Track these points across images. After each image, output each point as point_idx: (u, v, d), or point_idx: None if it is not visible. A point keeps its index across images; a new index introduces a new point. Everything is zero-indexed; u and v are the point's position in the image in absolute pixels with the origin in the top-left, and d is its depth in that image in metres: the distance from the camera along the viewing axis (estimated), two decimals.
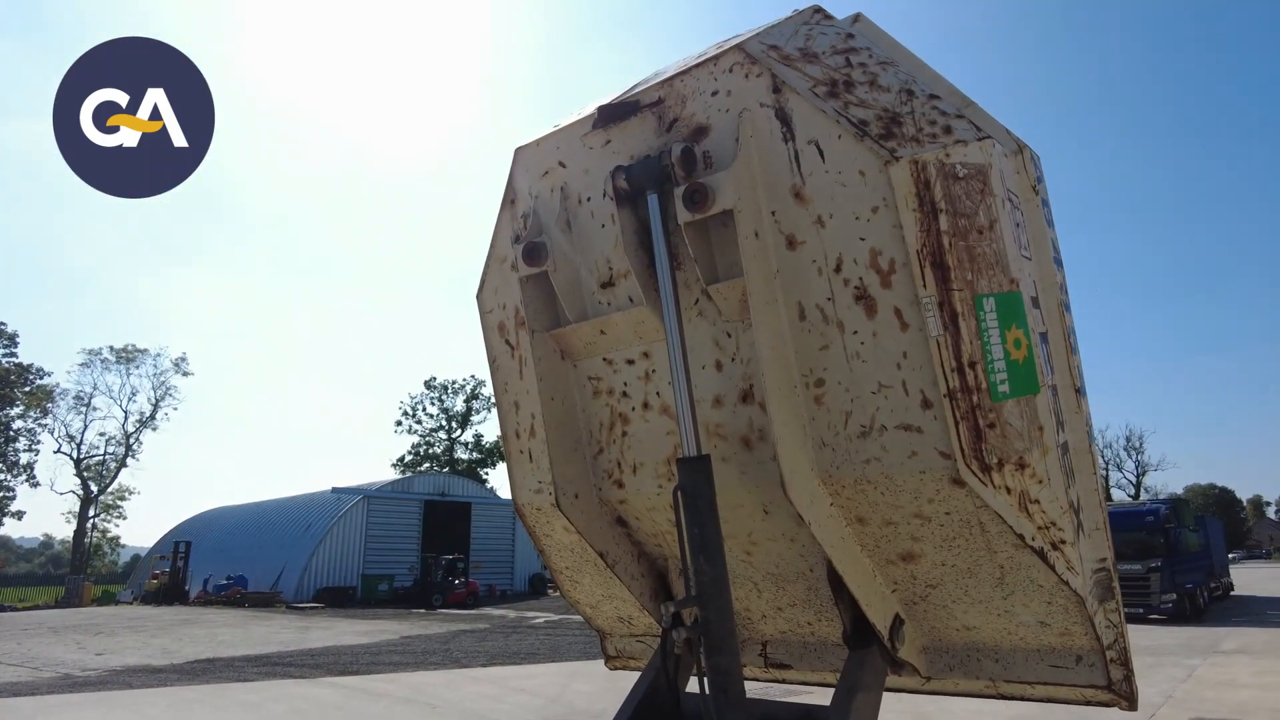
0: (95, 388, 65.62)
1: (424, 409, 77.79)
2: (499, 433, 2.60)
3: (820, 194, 1.92)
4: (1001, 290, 1.92)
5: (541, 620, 28.43)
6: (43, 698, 12.98)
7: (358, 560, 43.92)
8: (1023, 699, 2.23)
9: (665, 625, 1.92)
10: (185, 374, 69.82)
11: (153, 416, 66.81)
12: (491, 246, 2.50)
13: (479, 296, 2.52)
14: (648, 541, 2.43)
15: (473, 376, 75.27)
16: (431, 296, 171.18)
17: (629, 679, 2.31)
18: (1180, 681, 13.49)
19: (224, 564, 42.45)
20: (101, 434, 71.47)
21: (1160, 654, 17.16)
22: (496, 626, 25.64)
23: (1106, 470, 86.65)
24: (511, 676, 14.67)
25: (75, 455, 63.58)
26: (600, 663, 11.57)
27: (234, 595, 38.86)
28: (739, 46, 2.06)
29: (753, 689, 2.16)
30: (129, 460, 65.92)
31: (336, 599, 39.68)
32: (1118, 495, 78.93)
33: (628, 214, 2.12)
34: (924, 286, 1.79)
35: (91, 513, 64.61)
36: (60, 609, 39.22)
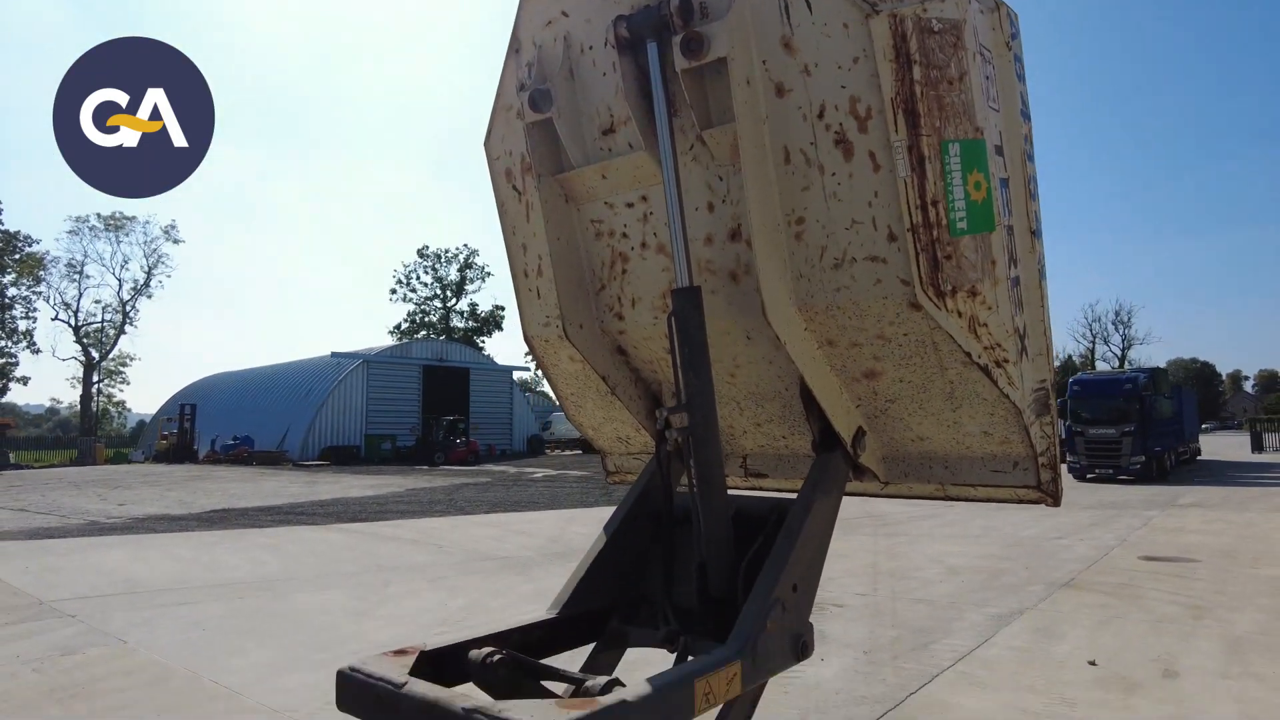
0: (86, 256, 65.06)
1: (418, 278, 77.68)
2: (508, 271, 2.81)
3: (807, 44, 2.08)
4: (966, 137, 2.12)
5: (540, 475, 29.77)
6: (74, 539, 13.86)
7: (360, 421, 45.23)
8: (966, 499, 2.56)
9: (659, 428, 2.24)
10: (176, 241, 68.91)
11: (147, 284, 66.60)
12: (497, 95, 2.64)
13: (486, 144, 2.69)
14: (643, 368, 2.71)
15: (465, 245, 74.80)
16: (421, 167, 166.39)
17: None
18: (1136, 529, 14.51)
19: (229, 426, 43.71)
20: (97, 301, 71.47)
21: (1123, 507, 18.30)
22: (497, 480, 26.90)
23: (1093, 343, 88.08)
24: (513, 521, 15.66)
25: (73, 323, 63.88)
26: (596, 509, 12.50)
27: (241, 454, 40.27)
28: None
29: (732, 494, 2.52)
30: (127, 328, 66.32)
31: (341, 458, 41.21)
32: (1102, 367, 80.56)
33: (628, 62, 2.26)
34: (895, 132, 1.99)
35: (95, 379, 65.67)
36: (76, 467, 40.67)
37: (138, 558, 11.73)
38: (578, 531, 14.00)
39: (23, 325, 60.98)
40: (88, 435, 55.10)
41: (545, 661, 2.04)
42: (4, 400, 63.39)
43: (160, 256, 66.67)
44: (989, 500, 2.55)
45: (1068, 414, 27.67)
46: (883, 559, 11.39)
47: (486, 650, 1.79)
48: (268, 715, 5.27)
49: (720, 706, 1.81)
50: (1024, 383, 2.33)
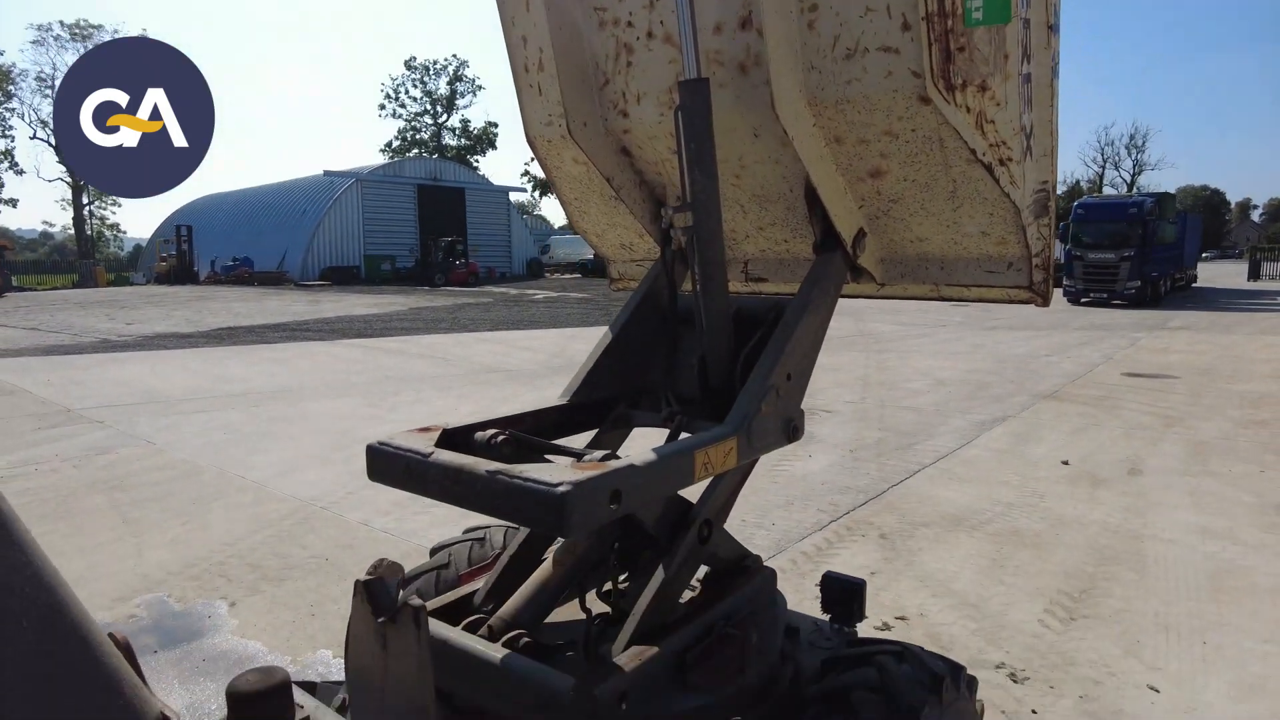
0: (55, 68, 61.50)
1: (406, 91, 74.04)
2: (509, 69, 2.70)
3: None
4: None
5: (540, 297, 30.05)
6: (90, 355, 14.23)
7: (358, 242, 44.90)
8: (959, 300, 2.61)
9: (664, 227, 2.26)
10: None
11: None
12: None
13: None
14: (648, 170, 2.67)
15: (454, 56, 70.55)
16: None
17: None
18: (1123, 348, 14.89)
19: (227, 247, 43.38)
20: None
21: (1112, 329, 18.66)
22: (498, 301, 27.19)
23: (1104, 167, 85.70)
24: (516, 338, 16.04)
25: (52, 141, 61.55)
26: (596, 328, 12.76)
27: (242, 275, 40.30)
28: None
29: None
30: None
31: (341, 278, 41.31)
32: (1109, 193, 78.89)
33: None
34: None
35: (85, 200, 64.25)
36: (79, 289, 40.83)
37: (154, 371, 12.12)
38: (579, 348, 14.36)
39: (1, 144, 58.95)
40: (85, 259, 54.79)
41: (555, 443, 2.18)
42: None
43: None
44: (980, 300, 2.60)
45: (1068, 238, 27.50)
46: (873, 372, 11.79)
47: (491, 431, 1.90)
48: (294, 504, 5.69)
49: (710, 479, 1.98)
50: (1026, 183, 2.33)
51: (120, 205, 67.71)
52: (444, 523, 4.83)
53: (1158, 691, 3.19)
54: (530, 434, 2.16)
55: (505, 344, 15.14)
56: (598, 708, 1.54)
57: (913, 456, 6.87)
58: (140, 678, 1.10)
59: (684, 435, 2.11)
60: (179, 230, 43.47)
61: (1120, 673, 3.33)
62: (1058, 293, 30.53)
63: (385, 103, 74.09)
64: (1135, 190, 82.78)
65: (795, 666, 1.98)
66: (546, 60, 2.46)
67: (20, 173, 60.38)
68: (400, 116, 74.69)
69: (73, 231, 65.99)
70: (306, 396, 10.07)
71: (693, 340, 2.27)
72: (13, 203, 61.25)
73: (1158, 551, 4.68)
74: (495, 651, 1.67)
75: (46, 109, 61.09)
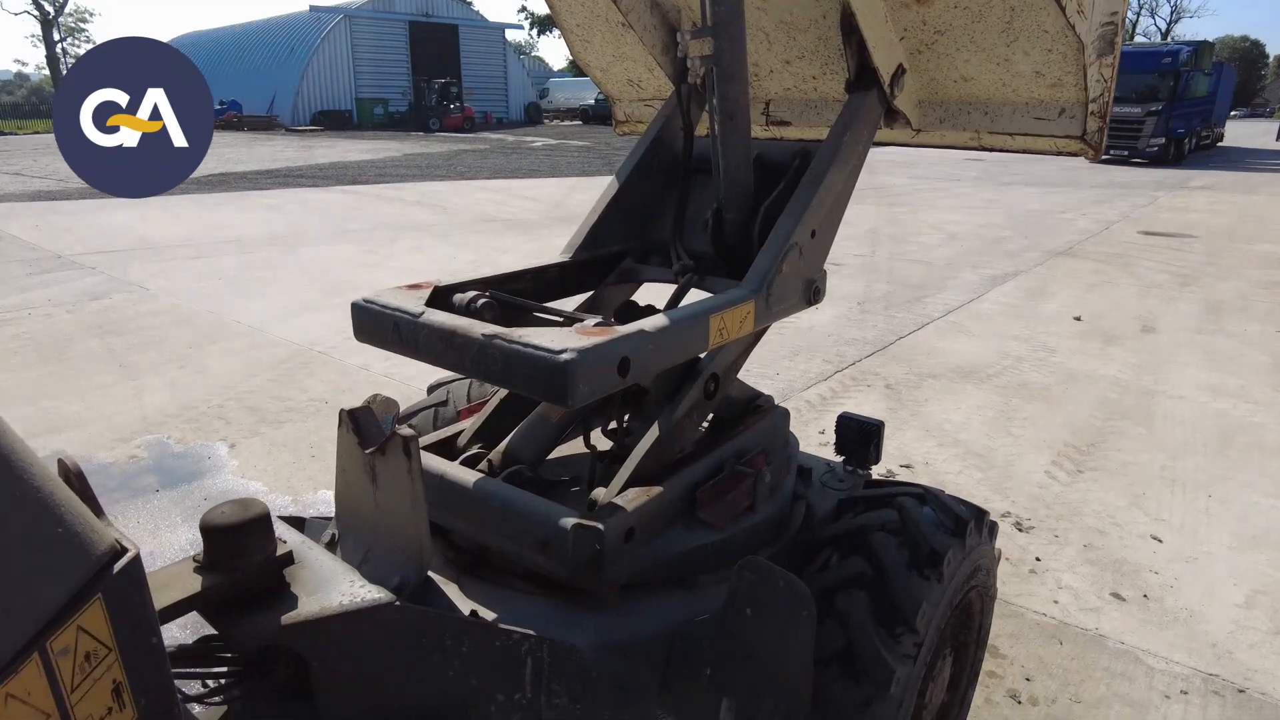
0: None
1: None
2: None
3: None
4: None
5: (540, 144, 28.96)
6: (77, 201, 13.79)
7: (349, 84, 42.83)
8: (1002, 150, 2.33)
9: (680, 55, 1.97)
10: None
11: None
12: None
13: None
14: None
15: None
16: None
17: None
18: (1142, 206, 14.43)
19: (212, 90, 41.07)
20: None
21: (1131, 187, 18.04)
22: (496, 148, 26.22)
23: (1138, 15, 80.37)
24: (515, 187, 15.51)
25: None
26: (598, 178, 12.17)
27: (231, 120, 38.67)
28: None
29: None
30: None
31: (333, 123, 39.72)
32: (1140, 42, 74.43)
33: None
34: None
35: (56, 37, 60.65)
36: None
37: (144, 218, 11.75)
38: (580, 198, 13.91)
39: None
40: None
41: (555, 304, 1.98)
42: None
43: None
44: (1025, 151, 2.32)
45: None
46: (885, 225, 11.45)
47: (471, 294, 1.70)
48: (292, 348, 5.60)
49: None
50: (1095, 12, 2.01)
51: (92, 41, 64.04)
52: None
53: (1160, 541, 3.19)
54: (529, 292, 1.98)
55: (504, 193, 14.65)
56: (603, 544, 1.45)
57: (921, 310, 6.72)
58: (94, 508, 0.98)
59: (693, 297, 1.91)
60: None
61: (1125, 524, 3.32)
62: None
63: None
64: (1171, 38, 78.20)
65: (807, 507, 1.90)
66: None
67: None
68: None
69: (48, 72, 62.84)
70: (302, 243, 9.81)
71: (707, 191, 2.04)
72: None
73: (1167, 408, 4.62)
74: (495, 486, 1.57)
75: None
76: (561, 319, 1.65)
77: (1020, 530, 3.27)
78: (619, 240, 2.20)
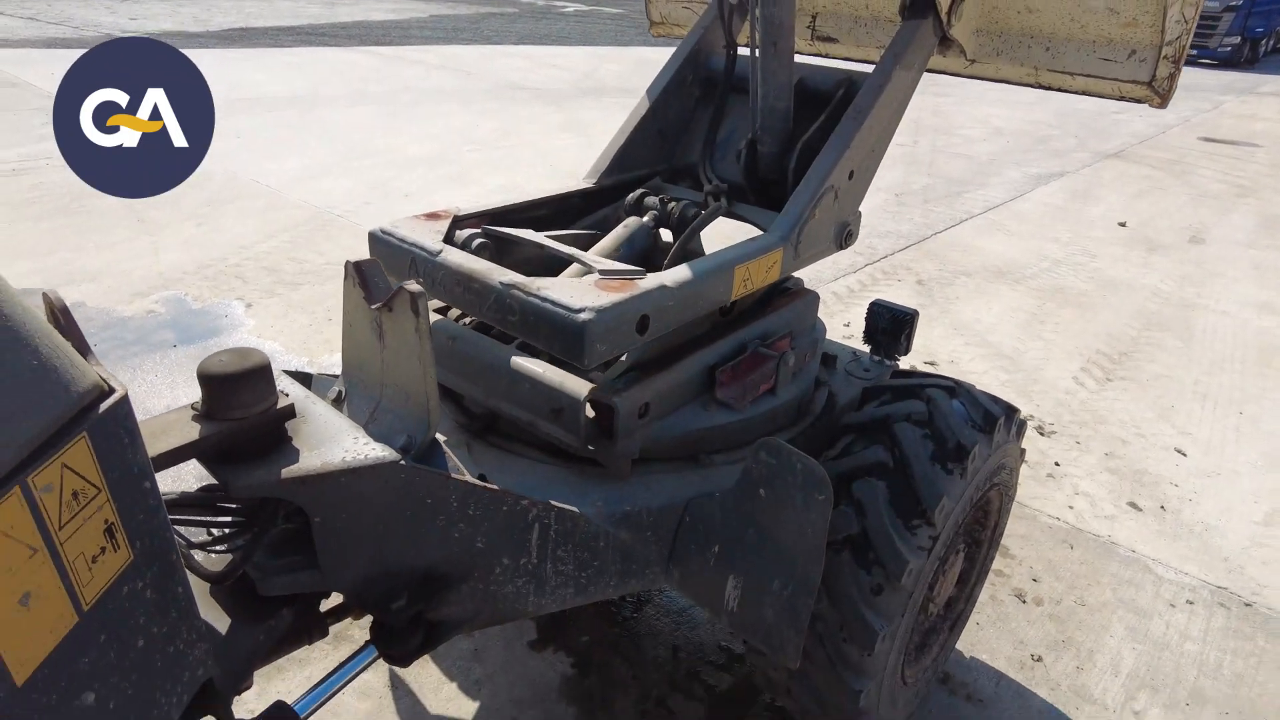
0: None
1: None
2: None
3: None
4: None
5: (571, 10, 27.54)
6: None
7: None
8: (1060, 89, 2.12)
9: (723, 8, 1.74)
10: None
11: None
12: None
13: None
14: None
15: None
16: None
17: (663, 56, 2.19)
18: (1205, 110, 13.62)
19: None
20: None
21: (1194, 90, 16.96)
22: (525, 12, 24.97)
23: None
24: (543, 54, 14.83)
25: None
26: (631, 49, 11.54)
27: None
28: None
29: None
30: None
31: None
32: None
33: None
34: None
35: None
36: None
37: None
38: (611, 69, 13.31)
39: None
40: None
41: (574, 229, 1.86)
42: None
43: None
44: (1084, 93, 2.11)
45: None
46: (926, 116, 10.90)
47: (469, 232, 1.58)
48: (310, 210, 5.49)
49: None
50: None
51: None
52: None
53: (1185, 455, 3.13)
54: (551, 221, 1.86)
55: (531, 59, 14.03)
56: (617, 416, 1.40)
57: (960, 205, 6.45)
58: (80, 346, 0.92)
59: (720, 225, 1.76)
60: None
61: (1150, 435, 3.25)
62: None
63: None
64: None
65: (830, 395, 1.83)
66: None
67: None
68: None
69: None
70: (322, 105, 9.50)
71: (744, 114, 1.86)
72: None
73: (1208, 322, 4.46)
74: (508, 352, 1.50)
75: None
76: (578, 262, 1.54)
77: (1042, 434, 3.21)
78: (647, 163, 2.05)
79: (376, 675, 1.97)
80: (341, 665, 1.39)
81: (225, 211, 5.43)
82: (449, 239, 1.58)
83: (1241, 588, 2.42)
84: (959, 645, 2.11)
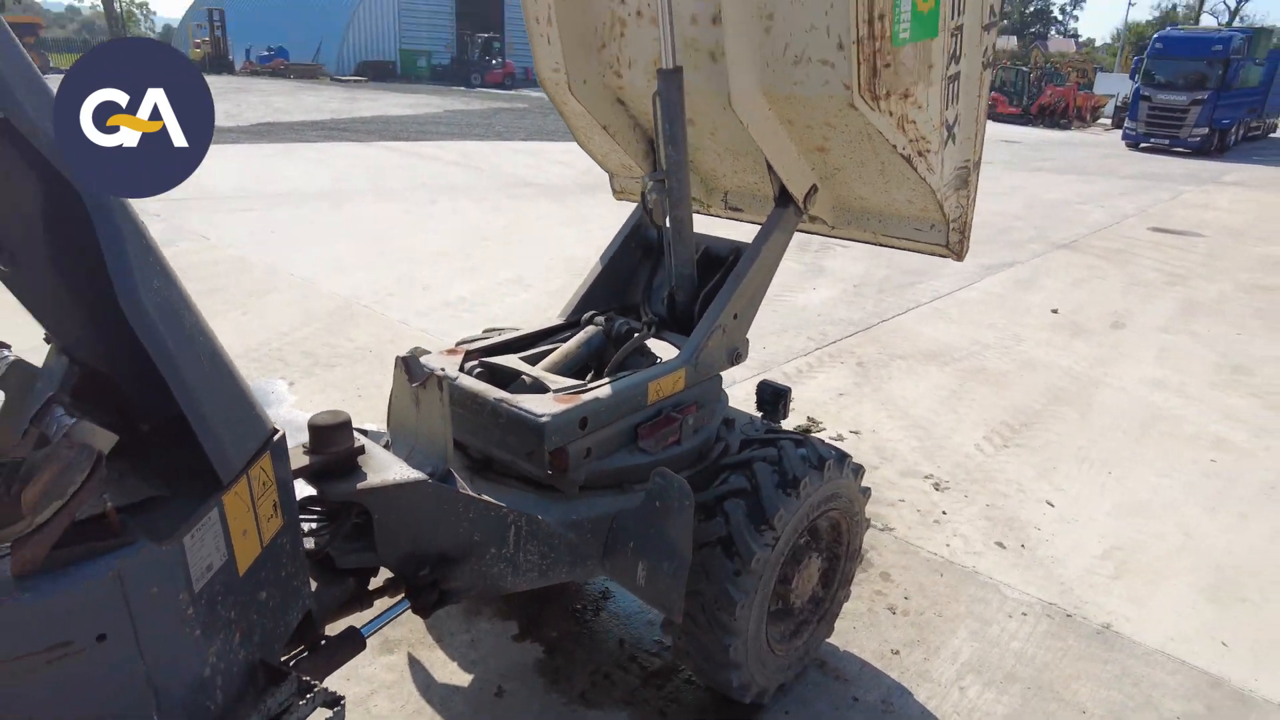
0: None
1: None
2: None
3: None
4: None
5: None
6: None
7: (393, 35, 43.37)
8: (894, 247, 2.93)
9: (644, 192, 2.61)
10: None
11: None
12: None
13: None
14: (640, 117, 2.95)
15: None
16: None
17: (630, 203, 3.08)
18: (1162, 201, 14.62)
19: (260, 34, 42.07)
20: None
21: (1161, 179, 18.10)
22: (534, 107, 26.66)
23: None
24: (549, 150, 16.09)
25: None
26: None
27: (278, 66, 39.46)
28: None
29: (713, 224, 2.98)
30: None
31: (377, 73, 40.34)
32: (1208, 22, 72.05)
33: None
34: None
35: None
36: None
37: (201, 167, 12.52)
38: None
39: None
40: (117, 39, 53.46)
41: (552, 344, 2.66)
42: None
43: None
44: (910, 250, 2.91)
45: (1140, 74, 25.86)
46: None
47: (471, 364, 2.41)
48: (340, 300, 6.35)
49: None
50: (944, 167, 2.60)
51: None
52: (471, 325, 5.45)
53: (1052, 506, 3.83)
54: (536, 343, 2.67)
55: (539, 156, 15.25)
56: (568, 462, 2.15)
57: (910, 295, 7.30)
58: None
59: (637, 365, 2.56)
60: (211, 14, 42.04)
61: (1028, 490, 3.97)
62: (1116, 134, 29.11)
63: None
64: (1239, 19, 75.52)
65: (725, 445, 2.59)
66: (553, 16, 2.70)
67: None
68: None
69: (100, 7, 63.85)
70: (347, 199, 10.55)
71: (667, 270, 2.72)
72: None
73: (1105, 397, 5.21)
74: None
75: None
76: (546, 385, 2.31)
77: (937, 489, 3.93)
78: (603, 304, 2.88)
79: (398, 656, 2.68)
80: (386, 610, 2.10)
81: (267, 301, 6.30)
82: (461, 367, 2.37)
83: (1067, 603, 3.11)
84: (835, 643, 2.80)
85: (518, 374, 2.41)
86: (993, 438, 4.52)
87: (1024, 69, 39.10)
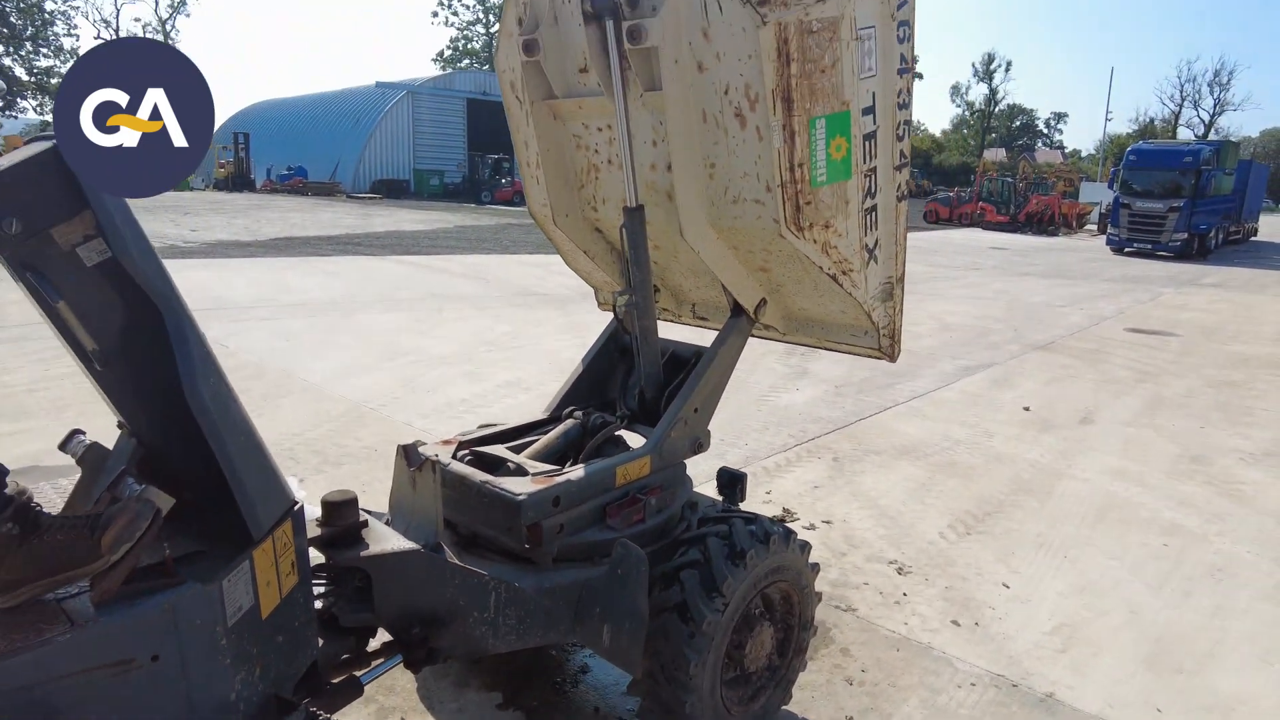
0: None
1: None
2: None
3: (719, 37, 2.53)
4: (833, 111, 2.66)
5: None
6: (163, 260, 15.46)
7: (408, 155, 45.75)
8: (837, 350, 3.38)
9: (615, 307, 3.10)
10: None
11: (184, 1, 64.11)
12: (501, 24, 3.14)
13: (494, 61, 3.27)
14: (614, 244, 3.44)
15: None
16: None
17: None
18: (1142, 302, 15.20)
19: (281, 155, 44.57)
20: (136, 20, 68.99)
21: (1142, 282, 18.80)
22: None
23: (1180, 107, 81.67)
24: (554, 263, 16.86)
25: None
26: None
27: (297, 185, 41.60)
28: None
29: (682, 331, 3.44)
30: None
31: (392, 191, 42.38)
32: (1184, 134, 75.53)
33: (593, 28, 2.77)
34: (774, 114, 2.50)
35: None
36: None
37: (220, 279, 13.30)
38: None
39: (67, 44, 60.32)
40: None
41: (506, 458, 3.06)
42: None
43: None
44: (850, 353, 3.36)
45: (1118, 184, 27.14)
46: None
47: (463, 453, 2.81)
48: (349, 404, 6.77)
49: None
50: (869, 283, 3.08)
51: None
52: (471, 425, 5.83)
53: (1008, 587, 4.09)
54: (522, 435, 3.08)
55: (543, 268, 16.02)
56: (542, 535, 2.49)
57: (889, 395, 7.69)
58: None
59: (610, 453, 2.97)
60: (236, 137, 44.64)
61: (986, 573, 4.23)
62: (1101, 240, 30.20)
63: (438, 9, 73.80)
64: (1214, 132, 79.11)
65: (687, 524, 2.92)
66: (540, 162, 3.26)
67: None
68: (452, 25, 74.50)
69: None
70: (358, 309, 11.16)
71: (637, 371, 3.18)
72: None
73: (1067, 487, 5.50)
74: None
75: (109, 8, 61.99)
76: (526, 469, 2.69)
77: (900, 573, 4.19)
78: (583, 399, 3.30)
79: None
80: (380, 663, 2.39)
81: (280, 404, 6.72)
82: (454, 455, 2.75)
83: (1015, 675, 3.34)
84: (794, 709, 3.03)
85: (503, 461, 2.78)
86: (956, 526, 4.81)
87: (1009, 179, 40.91)
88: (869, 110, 2.84)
